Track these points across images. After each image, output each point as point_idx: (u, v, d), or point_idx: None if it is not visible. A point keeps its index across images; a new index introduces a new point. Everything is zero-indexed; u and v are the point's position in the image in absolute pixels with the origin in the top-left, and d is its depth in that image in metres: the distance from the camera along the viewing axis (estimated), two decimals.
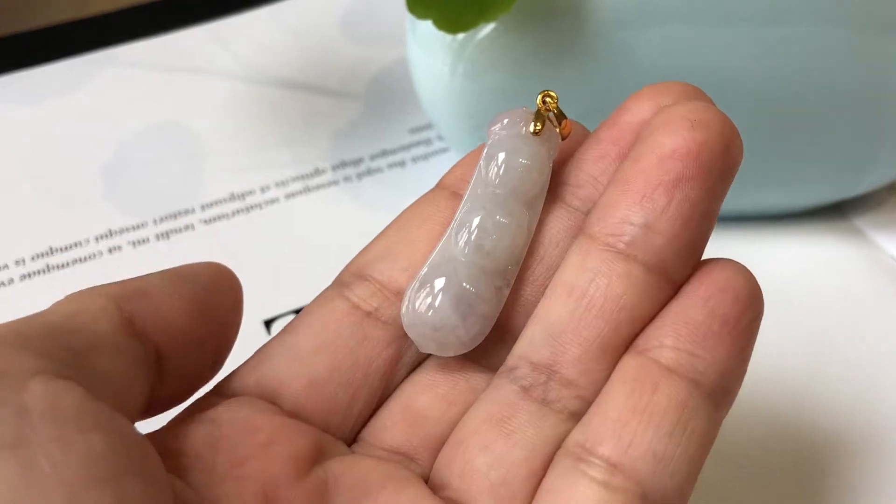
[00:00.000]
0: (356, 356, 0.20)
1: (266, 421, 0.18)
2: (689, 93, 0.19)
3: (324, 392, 0.19)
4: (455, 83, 0.29)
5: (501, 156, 0.20)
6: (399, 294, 0.20)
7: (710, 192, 0.18)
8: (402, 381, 0.20)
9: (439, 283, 0.19)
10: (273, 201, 0.34)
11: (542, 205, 0.20)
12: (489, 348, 0.20)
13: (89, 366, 0.16)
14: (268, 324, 0.30)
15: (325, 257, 0.31)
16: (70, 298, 0.18)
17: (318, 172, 0.35)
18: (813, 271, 0.31)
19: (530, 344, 0.19)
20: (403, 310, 0.19)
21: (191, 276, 0.19)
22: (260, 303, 0.30)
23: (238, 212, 0.34)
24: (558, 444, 0.18)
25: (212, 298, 0.19)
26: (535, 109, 0.20)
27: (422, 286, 0.19)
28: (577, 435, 0.18)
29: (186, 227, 0.33)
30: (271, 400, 0.19)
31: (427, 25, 0.27)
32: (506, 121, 0.20)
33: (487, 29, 0.28)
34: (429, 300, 0.19)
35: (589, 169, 0.20)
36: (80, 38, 0.39)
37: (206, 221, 0.33)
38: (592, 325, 0.18)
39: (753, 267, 0.30)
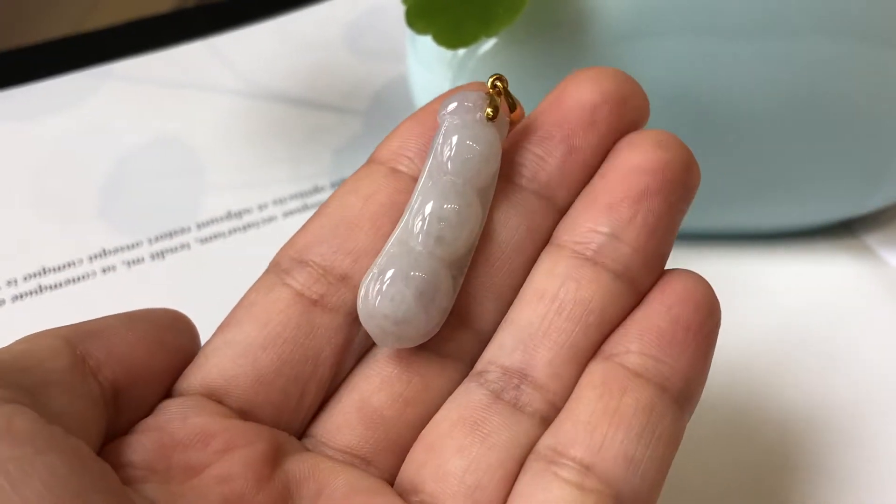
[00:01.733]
0: (305, 348, 0.19)
1: (219, 425, 0.18)
2: (620, 77, 0.21)
3: (273, 388, 0.19)
4: None
5: (458, 143, 0.20)
6: (344, 279, 0.20)
7: (673, 208, 0.19)
8: (352, 369, 0.20)
9: (399, 274, 0.19)
10: (271, 220, 0.34)
11: (493, 191, 0.20)
12: (443, 334, 0.20)
13: (40, 402, 0.16)
14: None
15: None
16: (24, 339, 0.18)
17: (317, 190, 0.35)
18: (822, 290, 0.31)
19: (501, 348, 0.19)
20: (360, 302, 0.19)
21: (146, 316, 0.20)
22: None
23: (235, 231, 0.33)
24: (531, 448, 0.19)
25: (168, 335, 0.19)
26: (487, 93, 0.20)
27: (379, 277, 0.19)
28: (548, 438, 0.18)
29: (182, 247, 0.33)
30: (218, 399, 0.19)
31: (427, 41, 0.27)
32: (458, 104, 0.20)
33: (488, 44, 0.28)
34: (389, 292, 0.19)
35: (533, 149, 0.21)
36: (78, 53, 0.39)
37: (201, 241, 0.33)
38: (563, 329, 0.19)
39: (763, 285, 0.31)
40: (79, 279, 0.32)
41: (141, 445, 0.18)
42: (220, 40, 0.40)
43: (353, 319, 0.20)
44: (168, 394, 0.19)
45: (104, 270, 0.32)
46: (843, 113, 0.29)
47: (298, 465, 0.19)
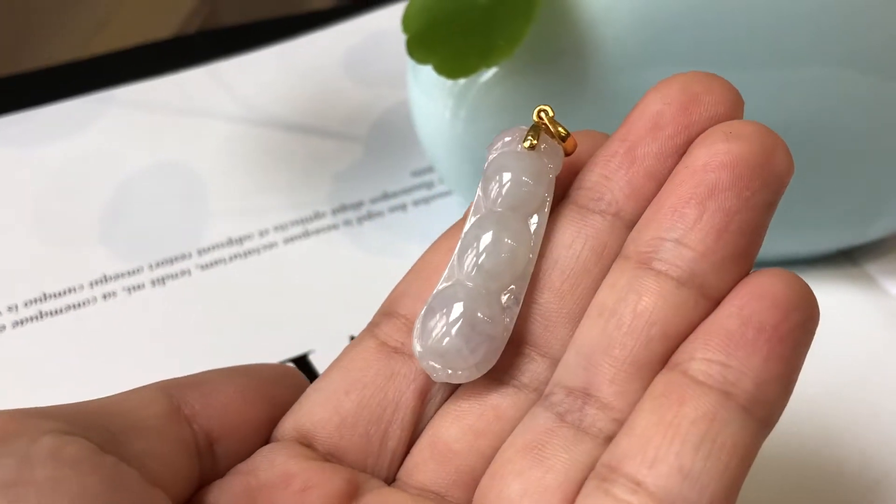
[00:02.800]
0: (385, 392, 0.20)
1: (300, 466, 0.19)
2: (689, 78, 0.19)
3: (356, 431, 0.20)
4: (456, 127, 0.29)
5: (497, 174, 0.20)
6: None
7: (749, 203, 0.18)
8: (436, 412, 0.20)
9: (442, 308, 0.19)
10: (271, 246, 0.34)
11: (546, 216, 0.20)
12: (514, 363, 0.20)
13: (126, 444, 0.17)
14: None
15: (324, 303, 0.32)
16: (125, 391, 0.19)
17: (317, 216, 0.35)
18: (823, 319, 0.30)
19: (565, 369, 0.19)
20: (414, 342, 0.20)
21: (251, 370, 0.21)
22: (257, 350, 0.30)
23: (235, 257, 0.34)
24: (592, 468, 0.18)
25: (270, 387, 0.20)
26: (534, 124, 0.20)
27: (427, 315, 0.20)
28: (606, 456, 0.18)
29: (182, 273, 0.33)
30: (307, 443, 0.20)
31: (428, 69, 0.27)
32: (499, 140, 0.21)
33: (489, 73, 0.28)
34: (433, 328, 0.19)
35: (599, 170, 0.20)
36: (81, 79, 0.40)
37: (202, 267, 0.33)
38: (622, 344, 0.18)
39: None
40: (79, 305, 0.32)
41: (229, 487, 0.19)
42: (222, 66, 0.40)
43: None
44: (267, 440, 0.20)
45: (105, 296, 0.32)
46: (844, 141, 0.29)
47: (374, 498, 0.19)
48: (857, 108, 0.28)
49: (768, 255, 0.31)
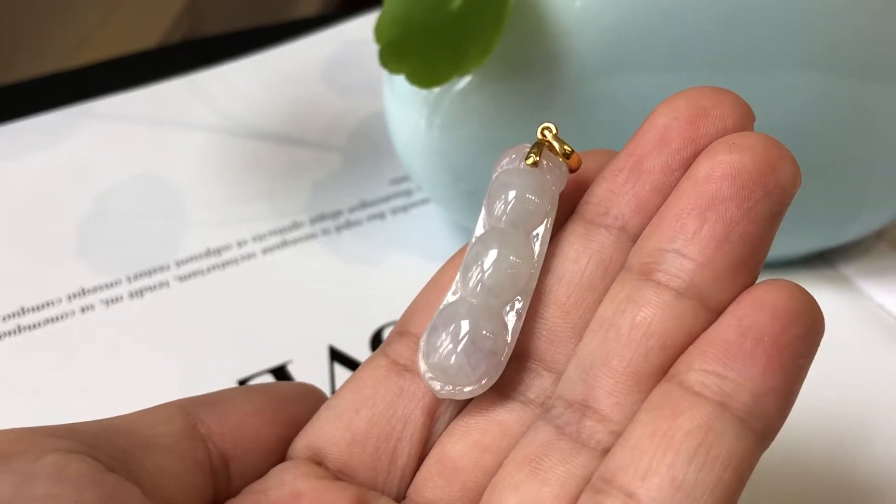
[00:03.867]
0: (394, 409, 0.20)
1: (309, 485, 0.19)
2: (697, 92, 0.20)
3: (366, 448, 0.20)
4: (432, 136, 0.30)
5: (500, 191, 0.20)
6: None
7: (751, 214, 0.18)
8: (444, 430, 0.21)
9: (445, 326, 0.20)
10: (250, 256, 0.34)
11: (549, 231, 0.20)
12: (520, 379, 0.20)
13: (137, 462, 0.18)
14: (242, 384, 0.30)
15: (302, 313, 0.32)
16: (142, 410, 0.19)
17: (296, 226, 0.35)
18: None
19: (566, 382, 0.19)
20: (419, 360, 0.20)
21: (269, 389, 0.21)
22: (235, 361, 0.30)
23: (214, 268, 0.34)
24: (589, 481, 0.18)
25: (288, 406, 0.21)
26: (525, 146, 0.21)
27: (431, 333, 0.20)
28: (601, 468, 0.18)
29: (161, 285, 0.33)
30: (319, 461, 0.20)
31: (402, 79, 0.27)
32: (510, 156, 0.21)
33: (463, 82, 0.29)
34: (437, 346, 0.20)
35: (606, 184, 0.20)
36: (60, 92, 0.40)
37: (180, 278, 0.33)
38: (620, 355, 0.18)
39: None
40: (57, 319, 0.32)
41: None
42: (200, 77, 0.40)
43: None
44: (283, 459, 0.20)
45: (83, 310, 0.32)
46: (820, 144, 0.29)
47: None
48: (834, 111, 0.28)
49: None
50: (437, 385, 0.20)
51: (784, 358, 0.17)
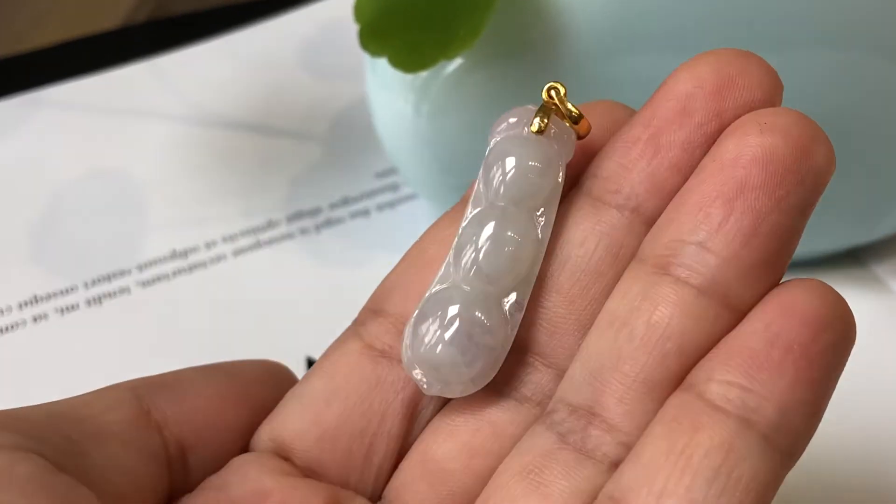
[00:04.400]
0: (369, 402, 0.19)
1: (275, 483, 0.18)
2: (723, 56, 0.19)
3: (338, 444, 0.19)
4: (420, 124, 0.29)
5: (499, 161, 0.19)
6: None
7: (782, 204, 0.17)
8: (427, 424, 0.20)
9: (435, 313, 0.19)
10: (220, 259, 0.33)
11: (555, 210, 0.19)
12: (515, 373, 0.19)
13: (87, 454, 0.17)
14: None
15: (277, 320, 0.31)
16: (93, 391, 0.18)
17: (271, 225, 0.34)
18: None
19: (570, 384, 0.18)
20: (403, 349, 0.19)
21: (232, 368, 0.20)
22: None
23: (180, 272, 0.33)
24: (595, 497, 0.17)
25: (253, 388, 0.20)
26: (529, 109, 0.19)
27: (418, 320, 0.19)
28: (609, 485, 0.17)
29: (121, 291, 0.32)
30: (285, 455, 0.19)
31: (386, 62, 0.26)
32: (510, 121, 0.20)
33: (454, 64, 0.28)
34: (425, 335, 0.19)
35: (618, 158, 0.19)
36: (8, 78, 0.39)
37: (143, 284, 0.33)
38: (633, 358, 0.17)
39: None
40: (7, 329, 0.31)
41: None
42: (165, 61, 0.40)
43: None
44: (245, 449, 0.20)
45: (35, 319, 0.32)
46: (849, 132, 0.28)
47: None
48: (862, 94, 0.28)
49: None
50: (424, 380, 0.19)
51: (814, 369, 0.16)
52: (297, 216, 0.34)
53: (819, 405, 0.17)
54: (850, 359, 0.29)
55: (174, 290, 0.32)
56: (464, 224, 0.19)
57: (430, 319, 0.18)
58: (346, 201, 0.35)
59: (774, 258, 0.17)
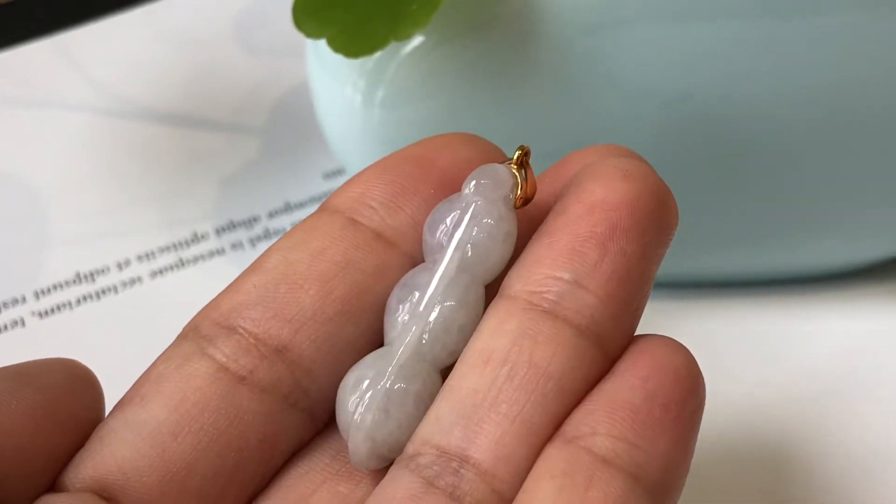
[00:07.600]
0: (227, 438, 0.19)
1: None
2: (624, 152, 0.21)
3: (187, 487, 0.19)
4: (372, 115, 0.29)
5: (473, 230, 0.20)
6: (281, 352, 0.20)
7: (647, 251, 0.20)
8: (286, 464, 0.20)
9: (380, 383, 0.20)
10: (134, 282, 0.33)
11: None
12: None
13: None
14: None
15: None
16: None
17: (196, 239, 0.34)
18: (874, 342, 0.32)
19: (437, 424, 0.19)
20: (338, 410, 0.20)
21: (38, 376, 0.20)
22: None
23: (85, 298, 0.32)
24: None
25: (63, 402, 0.19)
26: (513, 173, 0.21)
27: (358, 383, 0.20)
28: None
29: (13, 324, 0.32)
30: (111, 497, 0.18)
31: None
32: (482, 182, 0.21)
33: (411, 45, 0.27)
34: (370, 404, 0.19)
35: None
36: None
37: (40, 314, 0.32)
38: (513, 399, 0.19)
39: (804, 340, 0.32)
40: None
41: None
42: (71, 38, 0.39)
43: (290, 404, 0.20)
44: (52, 484, 0.19)
45: None
46: (889, 114, 0.28)
47: None
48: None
49: (807, 268, 0.32)
50: (357, 451, 0.20)
51: (689, 427, 0.19)
52: (228, 227, 0.34)
53: (688, 463, 0.19)
54: None
55: (78, 321, 0.32)
56: (414, 279, 0.20)
57: (375, 387, 0.20)
58: (288, 208, 0.34)
59: (638, 304, 0.20)
